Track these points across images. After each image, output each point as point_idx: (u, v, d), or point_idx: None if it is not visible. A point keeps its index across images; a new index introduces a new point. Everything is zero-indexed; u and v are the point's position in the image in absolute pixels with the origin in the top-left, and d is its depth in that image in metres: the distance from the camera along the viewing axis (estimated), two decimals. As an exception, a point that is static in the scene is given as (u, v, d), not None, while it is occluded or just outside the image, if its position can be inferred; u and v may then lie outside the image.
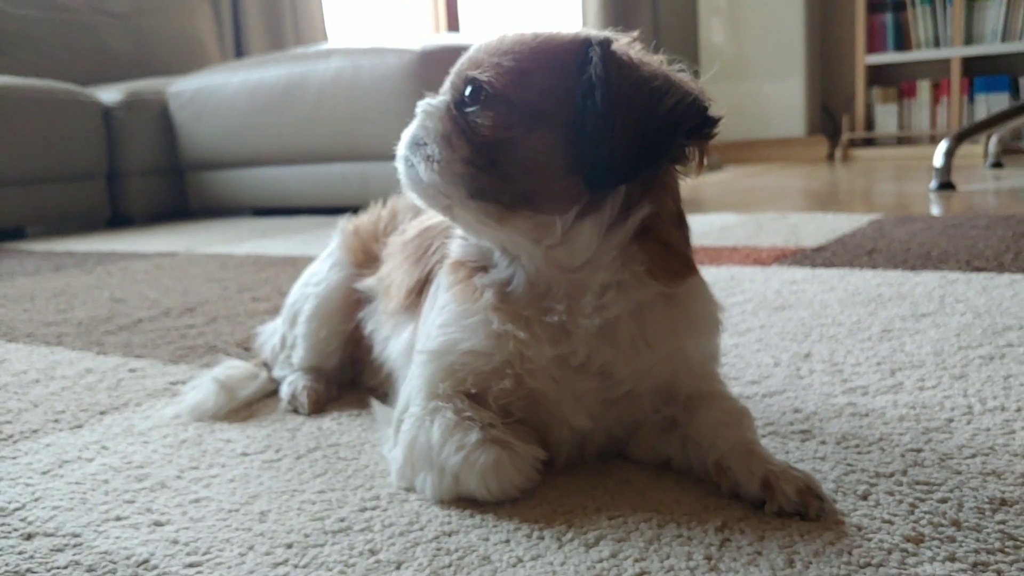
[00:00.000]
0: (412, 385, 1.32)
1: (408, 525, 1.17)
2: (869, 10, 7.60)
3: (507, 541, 1.11)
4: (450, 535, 1.14)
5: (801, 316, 2.17)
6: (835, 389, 1.62)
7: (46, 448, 1.56)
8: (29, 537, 1.20)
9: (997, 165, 5.91)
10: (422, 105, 1.26)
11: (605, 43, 1.18)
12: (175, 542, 1.16)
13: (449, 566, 1.06)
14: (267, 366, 1.86)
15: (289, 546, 1.14)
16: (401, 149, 1.26)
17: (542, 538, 1.12)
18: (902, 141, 7.82)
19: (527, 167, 1.19)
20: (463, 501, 1.22)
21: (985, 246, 2.90)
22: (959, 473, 1.23)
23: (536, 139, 1.18)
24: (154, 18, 6.96)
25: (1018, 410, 1.45)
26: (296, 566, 1.08)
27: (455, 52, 1.30)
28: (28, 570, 1.11)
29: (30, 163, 5.42)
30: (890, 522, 1.09)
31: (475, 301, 1.27)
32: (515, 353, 1.23)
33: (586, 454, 1.33)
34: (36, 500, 1.33)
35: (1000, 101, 7.15)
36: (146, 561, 1.11)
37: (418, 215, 1.66)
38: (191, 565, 1.10)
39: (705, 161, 1.22)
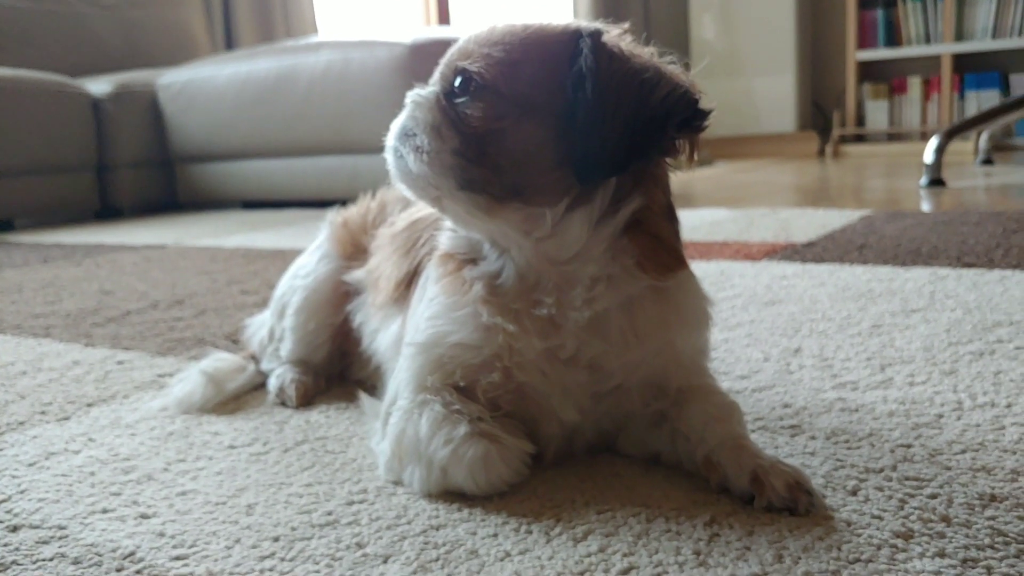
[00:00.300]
0: (400, 378, 1.32)
1: (396, 519, 1.17)
2: (860, 6, 7.60)
3: (495, 535, 1.11)
4: (438, 529, 1.14)
5: (791, 311, 2.16)
6: (825, 384, 1.62)
7: (32, 440, 1.55)
8: (15, 529, 1.20)
9: (988, 162, 5.92)
10: (411, 95, 1.25)
11: (596, 34, 1.18)
12: (161, 535, 1.16)
13: (437, 560, 1.06)
14: (255, 359, 1.85)
15: (276, 539, 1.13)
16: (390, 140, 1.25)
17: (530, 532, 1.11)
18: (893, 137, 7.83)
19: (517, 158, 1.18)
20: (451, 495, 1.22)
21: (975, 242, 2.90)
22: (949, 469, 1.23)
23: (526, 130, 1.18)
24: (144, 9, 6.93)
25: (1008, 406, 1.45)
26: (283, 559, 1.08)
27: (445, 45, 1.29)
28: (13, 562, 1.10)
29: (19, 155, 5.39)
30: (879, 518, 1.09)
31: (464, 293, 1.27)
32: (504, 346, 1.23)
33: (575, 448, 1.33)
34: (22, 492, 1.32)
35: (991, 98, 7.17)
36: (132, 554, 1.11)
37: (407, 207, 1.65)
38: (177, 558, 1.09)
39: (696, 154, 1.22)
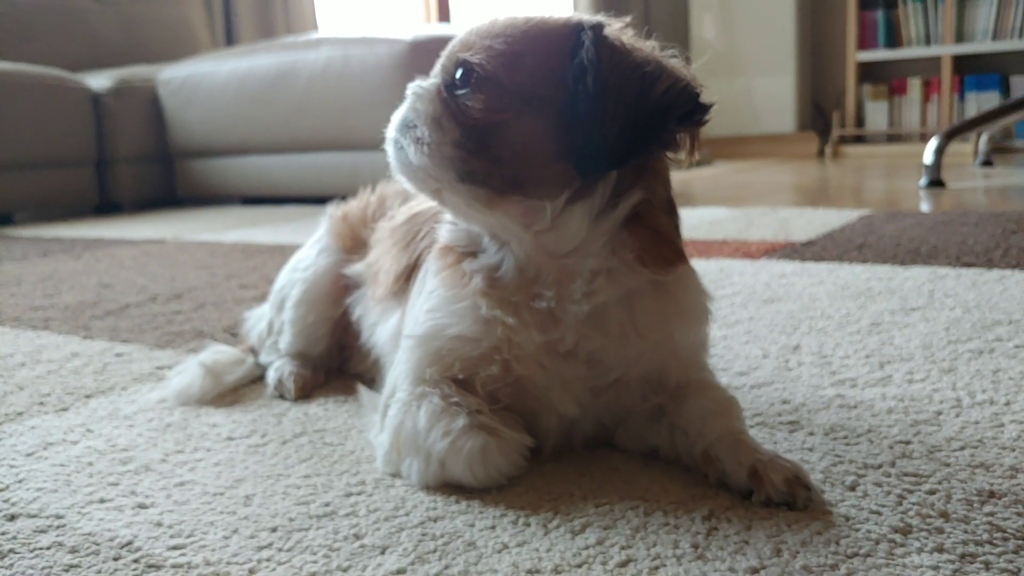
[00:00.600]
0: (399, 370, 1.32)
1: (393, 510, 1.17)
2: (861, 7, 7.60)
3: (493, 527, 1.11)
4: (436, 521, 1.13)
5: (790, 309, 2.16)
6: (824, 381, 1.61)
7: (31, 430, 1.55)
8: (12, 518, 1.20)
9: (987, 163, 5.91)
10: (412, 87, 1.25)
11: (597, 27, 1.18)
12: (159, 524, 1.16)
13: (434, 551, 1.06)
14: (254, 351, 1.85)
15: (274, 530, 1.13)
16: (391, 131, 1.25)
17: (528, 525, 1.11)
18: (892, 138, 7.83)
19: (517, 151, 1.18)
20: (449, 487, 1.22)
21: (975, 242, 2.90)
22: (948, 465, 1.23)
23: (527, 123, 1.17)
24: (144, 5, 6.93)
25: (1007, 404, 1.45)
26: (280, 549, 1.08)
27: (445, 43, 1.28)
28: (11, 550, 1.10)
29: (18, 149, 5.39)
30: (878, 513, 1.09)
31: (464, 286, 1.26)
32: (503, 339, 1.23)
33: (573, 442, 1.33)
34: (20, 481, 1.32)
35: (991, 99, 7.17)
36: (130, 543, 1.11)
37: (407, 201, 1.65)
38: (175, 547, 1.09)
39: (696, 148, 1.22)
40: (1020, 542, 1.01)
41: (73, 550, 1.10)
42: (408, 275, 1.50)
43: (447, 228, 1.34)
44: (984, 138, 6.00)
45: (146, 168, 6.03)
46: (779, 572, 0.97)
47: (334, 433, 1.48)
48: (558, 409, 1.26)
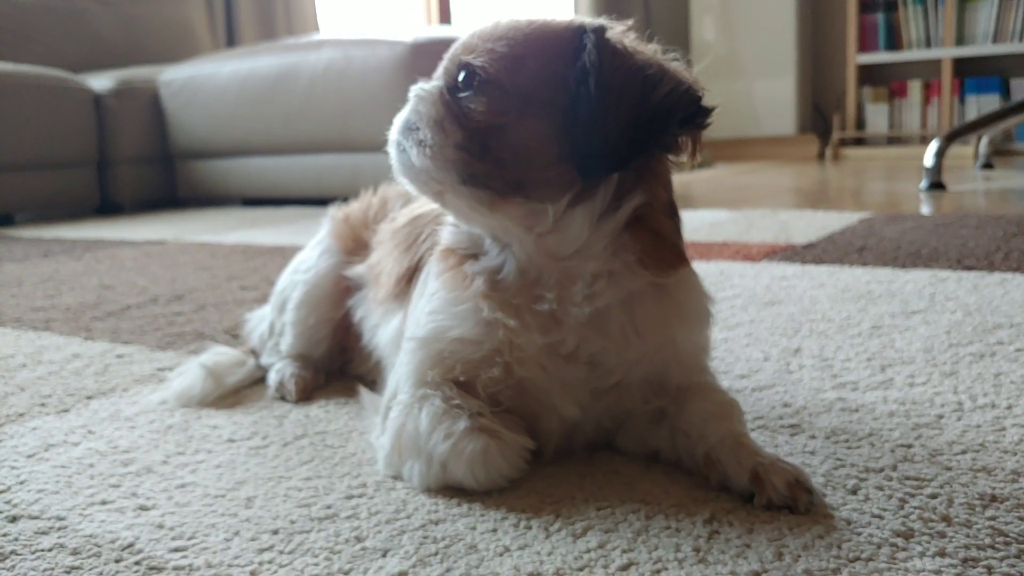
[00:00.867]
0: (400, 372, 1.32)
1: (395, 513, 1.17)
2: (861, 9, 7.61)
3: (494, 530, 1.11)
4: (437, 523, 1.13)
5: (791, 312, 2.16)
6: (825, 384, 1.61)
7: (32, 431, 1.55)
8: (14, 519, 1.20)
9: (988, 166, 5.92)
10: (415, 90, 1.25)
11: (600, 30, 1.18)
12: (160, 526, 1.16)
13: (435, 554, 1.06)
14: (255, 353, 1.85)
15: (275, 532, 1.13)
16: (393, 134, 1.25)
17: (529, 528, 1.11)
18: (892, 141, 7.83)
19: (519, 153, 1.18)
20: (450, 489, 1.22)
21: (975, 245, 2.90)
22: (949, 469, 1.23)
23: (529, 125, 1.18)
24: (146, 6, 6.93)
25: (1009, 407, 1.45)
26: (282, 552, 1.08)
27: (446, 44, 1.29)
28: (12, 552, 1.10)
29: (20, 149, 5.39)
30: (880, 517, 1.09)
31: (465, 288, 1.26)
32: (504, 341, 1.23)
33: (575, 444, 1.33)
34: (21, 483, 1.32)
35: (991, 102, 7.16)
36: (131, 545, 1.11)
37: (408, 203, 1.65)
38: (176, 550, 1.09)
39: (698, 151, 1.22)
40: (1022, 546, 1.01)
41: (75, 552, 1.10)
42: (410, 277, 1.50)
43: (449, 230, 1.34)
44: (984, 141, 6.00)
45: (147, 169, 6.03)
46: (781, 576, 0.97)
47: (335, 435, 1.48)
48: (559, 411, 1.26)
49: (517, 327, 1.22)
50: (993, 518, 1.08)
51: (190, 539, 1.12)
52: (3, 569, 1.06)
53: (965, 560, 0.99)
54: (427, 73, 1.29)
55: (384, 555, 1.06)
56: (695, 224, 3.77)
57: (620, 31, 1.21)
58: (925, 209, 4.04)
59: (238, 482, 1.30)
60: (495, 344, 1.23)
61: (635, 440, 1.32)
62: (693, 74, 1.21)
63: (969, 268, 2.55)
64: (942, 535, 1.04)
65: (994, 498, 1.13)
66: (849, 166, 6.97)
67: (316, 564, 1.04)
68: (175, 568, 1.05)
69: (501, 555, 1.05)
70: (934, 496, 1.14)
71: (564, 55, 1.18)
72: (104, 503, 1.24)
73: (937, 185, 4.78)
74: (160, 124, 6.00)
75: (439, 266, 1.33)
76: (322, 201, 2.45)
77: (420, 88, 1.25)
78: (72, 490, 1.29)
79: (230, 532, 1.13)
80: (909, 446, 1.31)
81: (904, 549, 1.01)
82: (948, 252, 2.81)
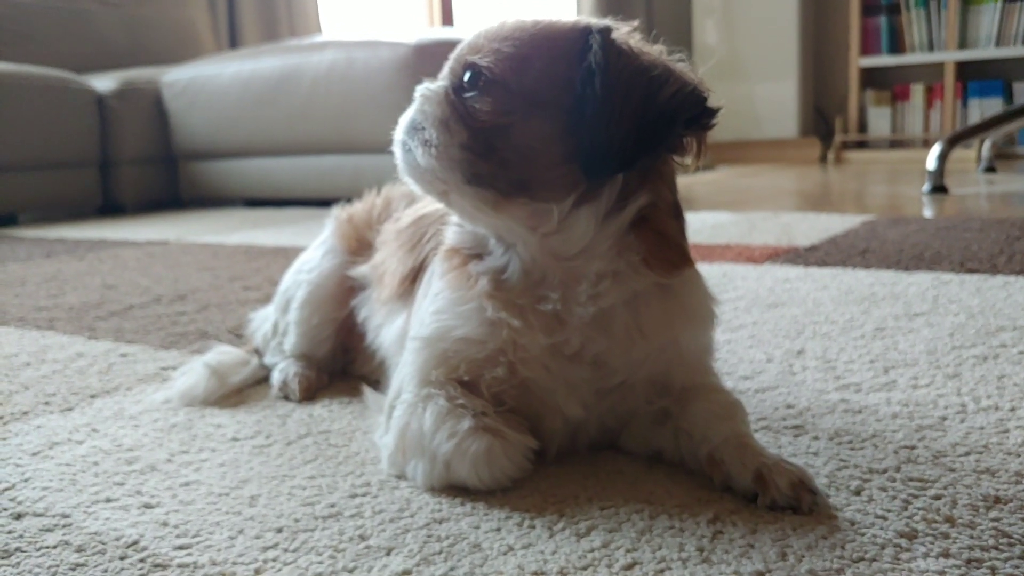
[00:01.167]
0: (405, 372, 1.32)
1: (398, 512, 1.17)
2: (863, 12, 7.61)
3: (498, 529, 1.11)
4: (440, 522, 1.14)
5: (794, 314, 2.16)
6: (828, 386, 1.62)
7: (36, 430, 1.55)
8: (19, 517, 1.20)
9: (990, 170, 5.92)
10: (420, 90, 1.25)
11: (605, 31, 1.18)
12: (165, 524, 1.16)
13: (439, 553, 1.06)
14: (258, 352, 1.85)
15: (279, 530, 1.13)
16: (399, 133, 1.25)
17: (533, 527, 1.11)
18: (895, 144, 7.83)
19: (525, 153, 1.18)
20: (454, 489, 1.22)
21: (978, 248, 2.90)
22: (953, 470, 1.23)
23: (534, 125, 1.18)
24: (149, 7, 6.93)
25: (1012, 409, 1.45)
26: (286, 550, 1.08)
27: (449, 46, 1.29)
28: (17, 549, 1.10)
29: (23, 150, 5.39)
30: (883, 518, 1.09)
31: (469, 288, 1.26)
32: (508, 341, 1.23)
33: (578, 444, 1.33)
34: (26, 481, 1.32)
35: (994, 106, 7.16)
36: (136, 542, 1.11)
37: (413, 203, 1.65)
38: (180, 547, 1.09)
39: (703, 152, 1.22)
40: (1025, 547, 1.01)
41: (79, 549, 1.10)
42: (414, 277, 1.50)
43: (453, 230, 1.34)
44: (987, 144, 6.00)
45: (150, 170, 6.03)
46: None
47: (339, 434, 1.48)
48: (563, 411, 1.26)
49: (521, 327, 1.22)
50: (997, 519, 1.08)
51: (194, 537, 1.12)
52: (8, 566, 1.07)
53: (969, 561, 0.99)
54: (430, 75, 1.29)
55: (388, 553, 1.06)
56: (697, 226, 3.78)
57: (626, 32, 1.22)
58: (928, 212, 4.04)
59: (242, 480, 1.30)
60: (499, 344, 1.23)
61: (639, 440, 1.32)
62: (699, 75, 1.21)
63: (972, 271, 2.55)
64: (946, 536, 1.04)
65: (998, 499, 1.13)
66: (851, 169, 6.97)
67: (320, 562, 1.05)
68: (179, 565, 1.05)
69: (505, 554, 1.05)
70: (938, 497, 1.14)
71: (570, 55, 1.18)
72: (108, 501, 1.24)
73: (940, 188, 4.78)
74: (163, 125, 6.00)
75: (443, 266, 1.33)
76: (324, 202, 2.45)
77: (426, 88, 1.25)
78: (76, 488, 1.29)
79: (234, 530, 1.13)
80: (913, 448, 1.31)
81: (908, 550, 1.01)
82: (951, 255, 2.81)
